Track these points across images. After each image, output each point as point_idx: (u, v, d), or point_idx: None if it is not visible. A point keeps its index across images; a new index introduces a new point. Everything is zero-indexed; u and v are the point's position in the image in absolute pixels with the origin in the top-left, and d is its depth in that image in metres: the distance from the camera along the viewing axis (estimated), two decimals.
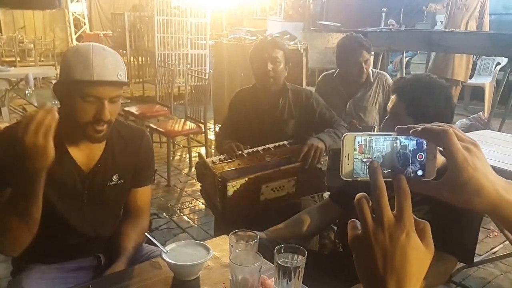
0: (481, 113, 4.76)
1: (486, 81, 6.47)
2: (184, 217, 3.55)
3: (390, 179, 0.61)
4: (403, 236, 0.58)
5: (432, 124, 0.62)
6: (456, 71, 6.03)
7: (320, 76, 3.17)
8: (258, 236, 1.28)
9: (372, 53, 3.05)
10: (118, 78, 1.37)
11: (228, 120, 2.58)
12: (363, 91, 2.91)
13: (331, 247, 2.34)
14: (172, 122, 4.47)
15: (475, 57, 6.31)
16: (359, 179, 0.64)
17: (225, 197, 2.03)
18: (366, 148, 0.64)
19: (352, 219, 0.62)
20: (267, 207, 2.15)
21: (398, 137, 0.64)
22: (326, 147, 2.23)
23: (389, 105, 1.59)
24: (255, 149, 2.28)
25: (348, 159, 0.64)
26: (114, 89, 1.37)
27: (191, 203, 3.82)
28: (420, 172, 0.64)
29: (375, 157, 0.64)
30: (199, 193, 2.71)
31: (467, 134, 0.63)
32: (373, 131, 2.65)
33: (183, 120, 4.49)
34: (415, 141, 0.64)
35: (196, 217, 3.55)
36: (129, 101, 6.15)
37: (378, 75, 2.95)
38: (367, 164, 0.63)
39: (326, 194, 2.27)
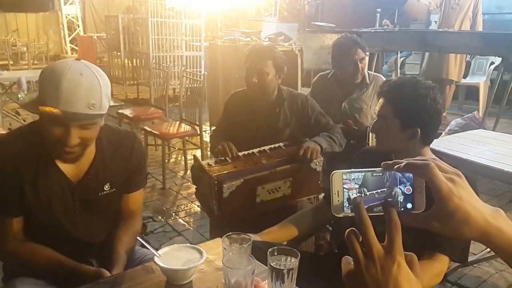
0: (475, 112, 4.77)
1: (480, 81, 6.50)
2: (180, 220, 3.55)
3: (382, 213, 0.64)
4: (395, 267, 0.60)
5: (415, 158, 0.65)
6: (450, 71, 6.06)
7: (315, 77, 3.18)
8: (252, 239, 1.28)
9: (367, 53, 3.02)
10: (90, 109, 1.26)
11: (223, 121, 2.57)
12: (358, 92, 2.92)
13: (326, 248, 2.35)
14: (167, 124, 4.47)
15: (469, 56, 6.33)
16: (350, 215, 0.66)
17: (221, 199, 2.03)
18: (354, 183, 0.67)
19: (345, 256, 0.65)
20: (263, 209, 2.15)
21: (386, 172, 0.67)
22: (322, 149, 2.24)
23: (376, 108, 1.61)
24: (250, 151, 2.28)
25: (338, 196, 0.67)
26: (85, 119, 1.28)
27: (186, 206, 3.82)
28: (409, 205, 0.67)
29: (364, 192, 0.66)
30: (194, 196, 2.70)
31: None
32: (368, 133, 2.71)
33: (178, 122, 4.50)
34: (402, 175, 0.67)
35: (191, 220, 3.55)
36: (123, 103, 6.15)
37: (375, 78, 2.97)
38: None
39: (321, 196, 2.27)
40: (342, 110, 2.92)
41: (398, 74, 5.74)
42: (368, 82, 2.93)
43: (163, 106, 4.86)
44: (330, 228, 2.25)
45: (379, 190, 0.67)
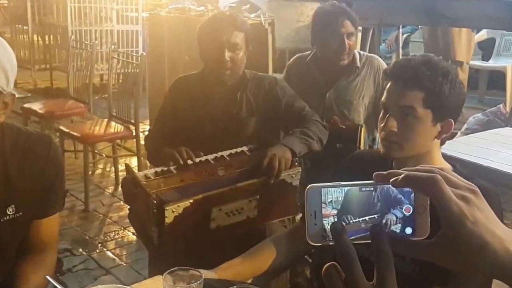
0: (501, 105, 4.90)
1: (507, 64, 6.61)
2: (108, 253, 3.52)
3: (369, 240, 0.65)
4: None
5: (417, 168, 0.66)
6: (457, 51, 6.20)
7: (291, 59, 3.20)
8: (203, 276, 1.29)
9: (359, 28, 3.09)
10: None
11: (164, 117, 2.59)
12: (346, 79, 2.96)
13: (306, 287, 2.36)
14: (91, 123, 4.43)
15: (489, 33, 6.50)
16: (331, 243, 0.67)
17: (163, 225, 2.03)
18: (336, 202, 0.68)
19: None
20: (220, 236, 2.17)
21: (378, 186, 0.68)
22: (296, 154, 2.27)
23: (397, 97, 1.63)
24: (203, 158, 2.29)
25: (315, 218, 0.68)
26: None
27: (117, 234, 3.80)
28: (408, 230, 0.68)
29: (347, 220, 0.67)
30: (128, 220, 2.68)
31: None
32: (360, 133, 2.76)
33: (106, 120, 4.46)
34: (400, 191, 0.68)
35: (124, 253, 3.53)
36: (29, 94, 6.05)
37: (368, 59, 3.01)
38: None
39: (298, 217, 2.29)
40: (325, 104, 2.95)
41: (401, 56, 5.82)
42: (359, 65, 2.96)
43: (86, 98, 4.82)
44: (310, 260, 2.26)
45: (367, 218, 0.67)
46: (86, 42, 5.70)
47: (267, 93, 2.49)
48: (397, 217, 0.67)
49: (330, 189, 0.68)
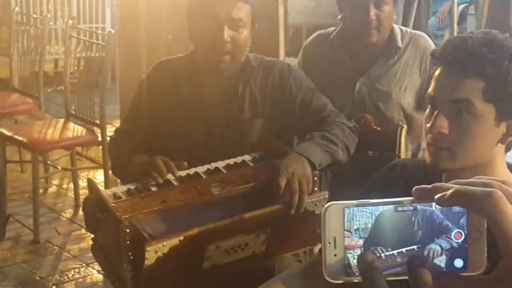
0: None
1: None
2: None
3: (406, 276, 0.66)
4: None
5: (471, 181, 0.66)
6: None
7: (309, 38, 3.22)
8: None
9: None
10: None
11: (138, 114, 2.60)
12: (384, 64, 2.98)
13: None
14: (42, 124, 4.44)
15: None
16: (355, 280, 0.68)
17: (141, 266, 2.01)
18: (365, 230, 0.68)
19: None
20: (216, 278, 2.18)
21: (418, 206, 0.68)
22: (315, 166, 2.29)
23: (448, 88, 1.62)
24: (192, 171, 2.29)
25: (335, 247, 0.69)
26: None
27: (78, 273, 3.79)
28: (458, 263, 0.68)
29: (381, 244, 0.68)
30: (92, 254, 2.67)
31: None
32: (400, 137, 2.76)
33: (62, 120, 4.47)
34: (448, 212, 0.68)
35: None
36: None
37: (412, 38, 3.02)
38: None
39: (317, 248, 2.30)
40: (355, 96, 2.96)
41: (455, 33, 5.80)
42: (400, 45, 2.97)
43: (35, 91, 4.83)
44: None
45: (403, 250, 0.68)
46: (34, 15, 5.69)
47: (277, 86, 2.50)
48: (442, 248, 0.67)
49: (356, 209, 0.68)
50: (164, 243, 1.99)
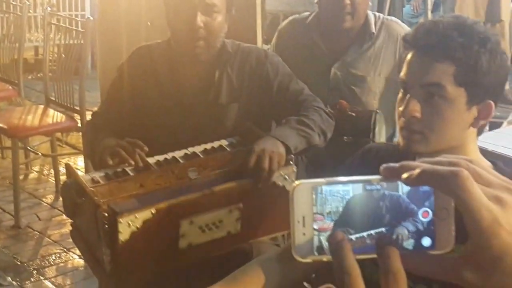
0: None
1: None
2: (47, 283, 3.51)
3: (375, 255, 0.67)
4: None
5: (437, 160, 0.67)
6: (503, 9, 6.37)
7: (284, 22, 3.26)
8: None
9: None
10: None
11: (116, 97, 2.60)
12: (358, 49, 3.01)
13: None
14: (22, 111, 4.43)
15: None
16: (324, 259, 0.69)
17: (116, 244, 2.00)
18: (336, 213, 0.69)
19: None
20: (193, 259, 2.18)
21: (386, 191, 0.69)
22: (291, 150, 2.28)
23: (420, 72, 1.64)
24: (169, 155, 2.30)
25: (304, 226, 0.69)
26: None
27: (59, 258, 3.79)
28: (426, 241, 0.69)
29: (343, 216, 0.69)
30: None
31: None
32: (374, 122, 2.78)
33: (42, 107, 4.46)
34: (415, 190, 0.69)
35: (68, 283, 3.52)
36: None
37: (386, 25, 3.06)
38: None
39: None
40: (330, 81, 2.99)
41: None
42: (373, 30, 3.01)
43: (15, 78, 4.81)
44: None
45: (372, 232, 0.68)
46: (14, 2, 5.62)
47: (254, 71, 2.52)
48: (409, 231, 0.68)
49: (328, 192, 0.69)
50: (137, 215, 1.99)
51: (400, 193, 0.68)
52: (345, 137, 2.78)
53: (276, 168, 2.21)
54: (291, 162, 2.29)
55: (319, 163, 2.59)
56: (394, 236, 0.68)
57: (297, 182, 0.69)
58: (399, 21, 3.17)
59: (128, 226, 1.99)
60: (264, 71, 2.52)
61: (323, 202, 0.69)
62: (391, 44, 3.03)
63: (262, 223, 2.30)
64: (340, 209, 0.68)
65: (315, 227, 0.69)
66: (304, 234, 0.69)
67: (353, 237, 0.68)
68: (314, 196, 0.69)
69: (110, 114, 2.57)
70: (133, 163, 2.22)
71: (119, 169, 2.23)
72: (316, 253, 0.69)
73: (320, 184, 0.69)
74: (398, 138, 1.75)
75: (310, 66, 2.97)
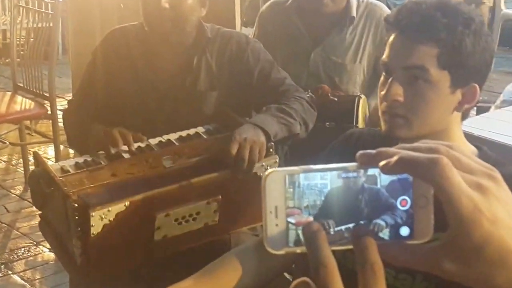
0: None
1: None
2: (15, 277, 3.51)
3: (351, 246, 0.65)
4: None
5: (415, 145, 0.66)
6: None
7: (264, 6, 3.23)
8: None
9: None
10: None
11: (90, 86, 2.57)
12: (338, 33, 3.00)
13: None
14: None
15: None
16: (298, 251, 0.67)
17: (88, 237, 1.98)
18: (314, 207, 0.67)
19: None
20: (168, 252, 2.17)
21: (362, 171, 0.68)
22: (271, 137, 2.26)
23: (402, 54, 1.63)
24: (144, 143, 2.27)
25: (277, 217, 0.67)
26: None
27: (28, 251, 3.79)
28: (404, 231, 0.68)
29: (321, 210, 0.67)
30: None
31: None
32: (357, 108, 2.76)
33: (9, 94, 4.47)
34: (395, 181, 0.68)
35: (38, 276, 3.52)
36: None
37: (368, 8, 3.05)
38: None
39: None
40: (310, 67, 2.98)
41: None
42: (353, 15, 2.99)
43: None
44: (291, 279, 2.27)
45: (351, 226, 0.67)
46: None
47: (234, 57, 2.50)
48: (387, 224, 0.67)
49: (305, 186, 0.67)
50: (110, 208, 1.96)
51: (379, 186, 0.67)
52: (327, 123, 2.77)
53: (257, 159, 2.19)
54: (271, 150, 2.27)
55: (301, 149, 2.55)
56: (371, 227, 0.67)
57: (269, 170, 0.68)
58: (383, 5, 3.16)
59: (100, 219, 1.97)
60: (244, 57, 2.50)
61: (300, 196, 0.67)
62: (372, 29, 3.03)
63: (241, 214, 2.29)
64: (318, 202, 0.67)
65: (292, 221, 0.67)
66: (277, 225, 0.67)
67: (331, 230, 0.67)
68: (287, 185, 0.67)
69: (87, 101, 2.56)
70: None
71: (89, 158, 2.21)
72: (290, 245, 0.67)
73: (294, 172, 0.67)
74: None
75: (290, 50, 2.97)
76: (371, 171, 0.67)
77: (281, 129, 2.32)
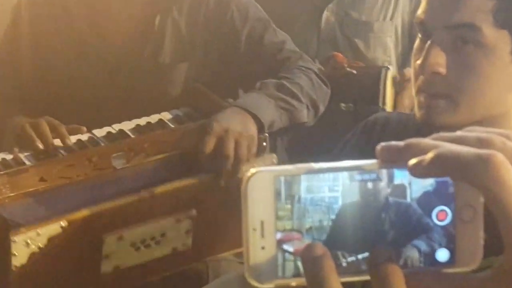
0: None
1: None
2: None
3: (367, 277, 0.56)
4: None
5: (462, 135, 0.55)
6: None
7: None
8: None
9: None
10: None
11: (14, 59, 2.26)
12: None
13: None
14: None
15: None
16: (293, 284, 0.57)
17: (8, 271, 1.78)
18: (320, 229, 0.56)
19: None
20: (120, 286, 1.99)
21: (386, 175, 0.56)
22: (264, 127, 1.99)
23: (445, 9, 1.42)
24: (85, 136, 2.04)
25: (263, 236, 0.56)
26: None
27: None
28: (443, 255, 0.56)
29: (330, 234, 0.57)
30: None
31: None
32: (384, 83, 2.62)
33: None
34: (428, 185, 0.57)
35: None
36: None
37: None
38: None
39: None
40: (322, 30, 2.81)
41: None
42: None
43: None
44: None
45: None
46: None
47: (212, 16, 2.22)
48: (420, 252, 0.55)
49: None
50: (39, 231, 1.75)
51: (409, 199, 0.55)
52: (342, 104, 2.55)
53: (245, 158, 1.95)
54: (264, 145, 2.01)
55: (306, 141, 2.40)
56: (401, 262, 0.55)
57: (252, 170, 0.55)
58: None
59: (26, 245, 1.77)
60: (227, 16, 2.23)
61: (301, 215, 0.55)
62: None
63: (222, 235, 2.06)
64: (325, 223, 0.56)
65: (290, 249, 0.55)
66: (263, 248, 0.55)
67: (344, 261, 0.56)
68: (282, 197, 0.56)
69: (6, 82, 2.28)
70: (41, 146, 1.96)
71: (9, 156, 1.97)
72: (283, 275, 0.56)
73: (287, 173, 0.54)
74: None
75: (294, 8, 2.76)
76: (399, 178, 0.56)
77: (281, 116, 2.06)
